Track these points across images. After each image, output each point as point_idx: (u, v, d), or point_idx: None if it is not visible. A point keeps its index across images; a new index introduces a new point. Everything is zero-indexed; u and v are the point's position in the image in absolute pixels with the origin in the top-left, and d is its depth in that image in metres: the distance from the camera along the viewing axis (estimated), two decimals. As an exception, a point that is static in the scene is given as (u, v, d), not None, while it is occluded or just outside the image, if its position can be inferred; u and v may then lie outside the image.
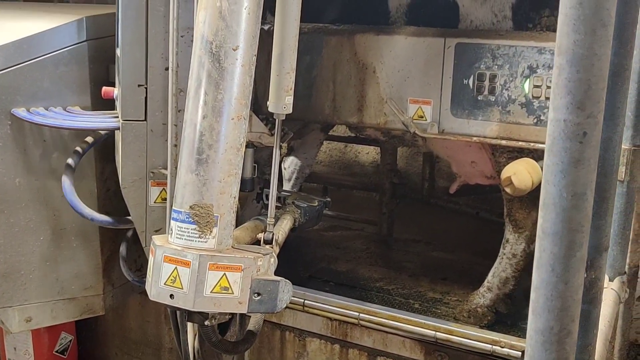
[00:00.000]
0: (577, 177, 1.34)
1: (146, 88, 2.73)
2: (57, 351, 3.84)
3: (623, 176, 2.63)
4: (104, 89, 2.99)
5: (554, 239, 1.38)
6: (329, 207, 3.26)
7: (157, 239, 2.22)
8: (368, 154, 5.62)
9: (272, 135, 2.82)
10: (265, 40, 2.30)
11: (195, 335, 2.59)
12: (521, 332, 2.97)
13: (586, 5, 1.29)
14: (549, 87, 2.65)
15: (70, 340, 3.91)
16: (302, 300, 3.16)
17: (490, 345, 2.82)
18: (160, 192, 2.85)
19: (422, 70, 2.89)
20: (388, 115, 2.99)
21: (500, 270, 3.04)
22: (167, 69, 2.67)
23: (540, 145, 2.69)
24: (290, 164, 3.95)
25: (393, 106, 2.95)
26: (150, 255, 2.22)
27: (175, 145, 2.66)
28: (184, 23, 2.58)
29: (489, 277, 3.08)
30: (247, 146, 2.54)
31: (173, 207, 2.18)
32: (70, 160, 2.95)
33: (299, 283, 3.08)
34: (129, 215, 2.91)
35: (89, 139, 3.02)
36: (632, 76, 2.55)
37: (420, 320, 2.99)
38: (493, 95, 2.77)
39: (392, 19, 3.16)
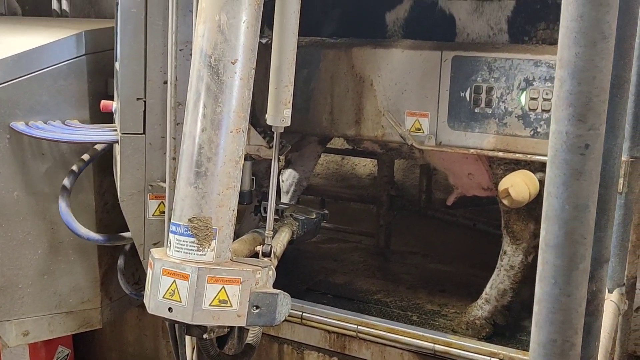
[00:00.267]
0: (579, 189, 1.34)
1: (145, 101, 2.74)
2: (54, 365, 3.83)
3: (621, 188, 2.63)
4: (103, 102, 3.00)
5: (556, 251, 1.39)
6: (326, 219, 3.27)
7: (155, 252, 2.22)
8: (365, 166, 5.62)
9: (270, 147, 2.83)
10: (262, 53, 2.31)
11: (194, 348, 2.58)
12: (520, 344, 2.97)
13: (587, 18, 1.30)
14: (545, 100, 2.67)
15: (68, 354, 3.89)
16: (300, 313, 3.15)
17: (489, 358, 2.81)
18: (159, 205, 2.85)
19: (419, 83, 2.90)
20: (385, 128, 3.00)
21: (498, 282, 3.04)
22: (165, 82, 2.68)
23: (537, 157, 2.70)
24: (288, 176, 3.95)
25: (390, 119, 2.96)
26: (149, 268, 2.21)
27: (174, 158, 2.66)
28: (182, 37, 2.60)
29: (487, 289, 3.08)
30: (245, 159, 2.55)
31: (172, 220, 2.18)
32: (66, 181, 2.95)
33: (297, 296, 3.07)
34: (127, 229, 2.90)
35: (86, 157, 3.02)
36: (630, 88, 2.56)
37: (419, 333, 2.98)
38: (490, 108, 2.78)
39: (389, 32, 3.18)
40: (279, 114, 2.34)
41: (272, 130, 2.41)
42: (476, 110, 2.80)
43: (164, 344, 3.74)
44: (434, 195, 4.62)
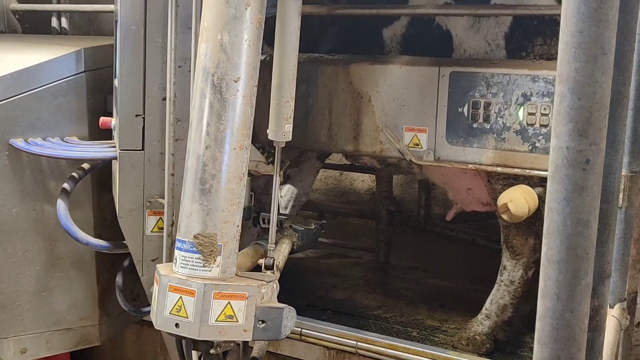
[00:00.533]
0: (581, 204, 1.34)
1: (144, 118, 2.74)
2: (52, 383, 3.79)
3: (621, 202, 2.63)
4: (102, 119, 3.00)
5: (559, 266, 1.38)
6: (325, 229, 3.28)
7: (161, 268, 2.24)
8: (363, 181, 5.62)
9: (269, 164, 2.84)
10: (260, 70, 2.32)
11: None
12: (520, 360, 2.97)
13: (586, 34, 1.30)
14: (543, 115, 2.68)
15: (65, 372, 3.86)
16: (300, 329, 3.14)
17: (490, 374, 2.81)
18: (157, 222, 2.84)
19: (417, 98, 2.91)
20: (384, 143, 3.00)
21: (498, 297, 3.03)
22: (164, 99, 2.68)
23: (536, 172, 2.71)
24: (287, 192, 3.94)
25: (389, 134, 2.97)
26: (155, 284, 2.23)
27: (173, 175, 2.67)
28: (181, 54, 2.61)
29: (487, 304, 3.07)
30: (244, 175, 2.56)
31: (177, 237, 2.20)
32: (66, 185, 2.95)
33: (297, 311, 3.05)
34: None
35: (86, 165, 3.02)
36: (629, 103, 2.57)
37: (419, 349, 2.98)
38: (488, 123, 2.79)
39: (386, 48, 3.19)
40: (281, 129, 2.37)
41: (273, 145, 2.43)
42: (474, 125, 2.81)
43: (163, 361, 3.72)
44: (433, 211, 4.62)
